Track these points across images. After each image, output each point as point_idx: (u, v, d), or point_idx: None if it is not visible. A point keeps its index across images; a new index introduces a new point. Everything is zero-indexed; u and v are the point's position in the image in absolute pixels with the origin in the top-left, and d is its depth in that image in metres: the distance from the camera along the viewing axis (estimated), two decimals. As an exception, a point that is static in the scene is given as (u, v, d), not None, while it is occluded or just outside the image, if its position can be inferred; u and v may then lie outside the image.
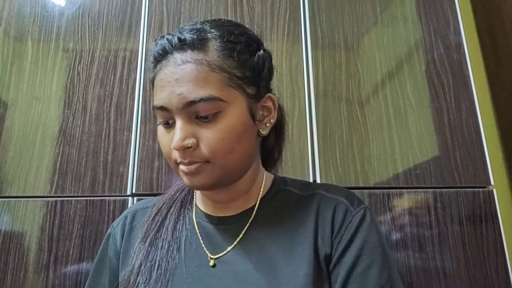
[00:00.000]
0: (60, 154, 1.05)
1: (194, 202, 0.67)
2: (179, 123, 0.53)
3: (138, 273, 0.59)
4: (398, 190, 1.04)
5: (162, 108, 0.54)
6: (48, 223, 0.99)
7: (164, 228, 0.62)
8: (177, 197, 0.68)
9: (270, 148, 0.69)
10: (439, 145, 1.09)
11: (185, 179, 0.56)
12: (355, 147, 1.08)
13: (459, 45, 1.18)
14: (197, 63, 0.53)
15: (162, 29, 1.16)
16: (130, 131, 1.07)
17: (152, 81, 0.58)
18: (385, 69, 1.16)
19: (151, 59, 0.58)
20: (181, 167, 0.55)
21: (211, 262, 0.58)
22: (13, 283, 0.95)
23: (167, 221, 0.63)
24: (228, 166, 0.56)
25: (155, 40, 0.59)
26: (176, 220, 0.64)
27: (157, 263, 0.59)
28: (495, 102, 1.39)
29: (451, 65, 1.16)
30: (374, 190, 1.03)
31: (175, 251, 0.60)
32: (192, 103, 0.52)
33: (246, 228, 0.61)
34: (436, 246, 0.99)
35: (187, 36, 0.55)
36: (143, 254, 0.60)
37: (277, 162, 0.73)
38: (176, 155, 0.55)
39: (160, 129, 0.58)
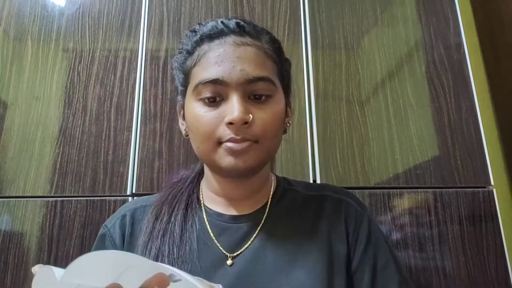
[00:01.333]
0: (60, 154, 1.05)
1: (201, 203, 0.66)
2: (236, 97, 0.54)
3: None
4: (398, 190, 1.04)
5: (217, 82, 0.54)
6: (48, 223, 0.99)
7: (169, 233, 0.61)
8: (178, 199, 0.66)
9: None
10: (439, 145, 1.09)
11: (228, 159, 0.55)
12: (355, 147, 1.08)
13: (459, 45, 1.18)
14: (256, 47, 0.57)
15: (162, 29, 1.16)
16: (130, 131, 1.07)
17: (195, 60, 0.58)
18: (385, 69, 1.16)
19: (196, 38, 0.59)
20: (229, 144, 0.54)
21: (229, 262, 0.58)
22: (13, 283, 0.95)
23: (171, 225, 0.61)
24: (270, 149, 0.58)
25: (200, 23, 0.61)
26: (183, 221, 0.62)
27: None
28: (495, 102, 1.39)
29: (451, 65, 1.16)
30: (374, 190, 1.03)
31: (187, 254, 0.59)
32: (253, 80, 0.54)
33: (260, 226, 0.61)
34: (436, 246, 0.99)
35: (244, 23, 0.58)
36: (152, 258, 0.58)
37: (273, 164, 0.75)
38: (223, 132, 0.54)
39: (200, 107, 0.56)
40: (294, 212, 0.63)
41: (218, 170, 0.59)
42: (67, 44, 1.15)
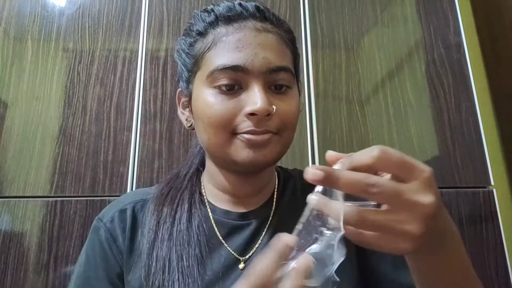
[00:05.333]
0: (60, 154, 1.05)
1: (205, 200, 0.61)
2: (258, 87, 0.50)
3: None
4: (398, 190, 1.04)
5: (237, 69, 0.50)
6: (48, 223, 0.99)
7: (175, 238, 0.55)
8: (179, 199, 0.60)
9: None
10: (439, 145, 1.09)
11: (246, 153, 0.51)
12: (355, 147, 1.08)
13: (459, 45, 1.18)
14: (277, 35, 0.54)
15: (162, 29, 1.16)
16: (130, 131, 1.07)
17: (209, 43, 0.53)
18: (385, 69, 1.16)
19: (210, 19, 0.54)
20: (247, 136, 0.50)
21: (241, 265, 0.55)
22: (13, 283, 0.95)
23: (175, 229, 0.56)
24: (288, 142, 0.55)
25: (218, 2, 0.56)
26: (189, 223, 0.57)
27: (179, 275, 0.52)
28: (495, 102, 1.39)
29: (451, 65, 1.16)
30: (374, 190, 1.03)
31: (197, 258, 0.54)
32: (275, 70, 0.51)
33: (269, 222, 0.58)
34: (436, 246, 0.99)
35: (263, 8, 0.55)
36: (160, 267, 0.53)
37: None
38: (241, 123, 0.50)
39: (215, 95, 0.51)
40: (297, 201, 0.60)
41: (231, 164, 0.53)
42: (67, 44, 1.15)
